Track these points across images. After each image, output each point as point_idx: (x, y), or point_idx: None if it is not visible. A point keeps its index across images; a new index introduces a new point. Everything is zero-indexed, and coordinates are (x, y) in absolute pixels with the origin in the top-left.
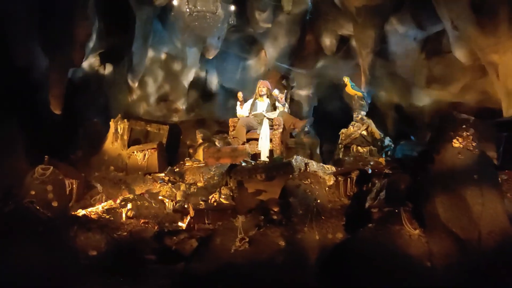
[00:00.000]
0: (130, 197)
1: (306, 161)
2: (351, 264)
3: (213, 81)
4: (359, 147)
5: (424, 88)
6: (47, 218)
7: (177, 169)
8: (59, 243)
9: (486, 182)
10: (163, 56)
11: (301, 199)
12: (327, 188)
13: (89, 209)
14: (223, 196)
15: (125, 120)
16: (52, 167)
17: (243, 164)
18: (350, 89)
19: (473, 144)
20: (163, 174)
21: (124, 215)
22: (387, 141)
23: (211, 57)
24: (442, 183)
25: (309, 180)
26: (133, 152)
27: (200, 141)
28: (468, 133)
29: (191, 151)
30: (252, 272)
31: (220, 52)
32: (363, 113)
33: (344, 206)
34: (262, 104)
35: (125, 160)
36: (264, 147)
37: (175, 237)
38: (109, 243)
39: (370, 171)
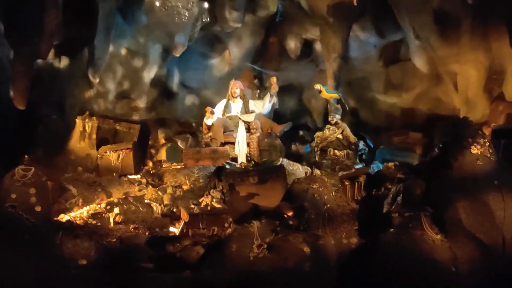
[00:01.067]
0: (115, 201)
1: (292, 164)
2: (377, 269)
3: (174, 80)
4: (335, 151)
5: (381, 94)
6: (31, 224)
7: (153, 171)
8: (46, 252)
9: (506, 187)
10: (123, 51)
11: (310, 203)
12: (333, 193)
13: (73, 214)
14: (214, 200)
15: (94, 118)
16: (33, 168)
17: (227, 166)
18: (326, 93)
19: (490, 151)
20: (138, 176)
21: (112, 220)
22: (361, 145)
23: (178, 55)
24: (463, 189)
25: (317, 184)
26: (106, 152)
27: (163, 141)
28: (485, 140)
29: (153, 151)
30: (278, 280)
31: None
32: (338, 116)
33: (353, 211)
34: (236, 106)
35: (95, 161)
36: (241, 152)
37: (178, 244)
38: (99, 251)
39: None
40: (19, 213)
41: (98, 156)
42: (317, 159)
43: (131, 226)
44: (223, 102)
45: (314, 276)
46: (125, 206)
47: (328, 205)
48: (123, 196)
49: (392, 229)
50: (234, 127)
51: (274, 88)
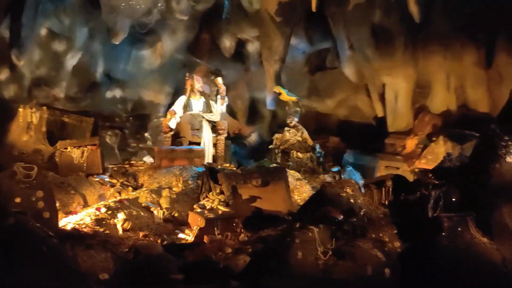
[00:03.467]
0: (112, 205)
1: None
2: (440, 272)
3: (98, 69)
4: (298, 153)
5: (304, 99)
6: (45, 234)
7: (123, 170)
8: (63, 266)
9: None
10: (43, 32)
11: (347, 208)
12: (362, 198)
13: (76, 221)
14: (220, 204)
15: (44, 107)
16: (35, 167)
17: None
18: (285, 96)
19: None
20: (105, 176)
21: (120, 227)
22: (318, 148)
23: (117, 42)
24: (506, 194)
25: (349, 188)
26: (66, 148)
27: None
28: None
29: None
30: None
31: (107, 38)
32: (296, 119)
33: (386, 215)
34: (198, 103)
35: (50, 157)
36: (208, 154)
37: (220, 252)
38: (117, 263)
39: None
40: (32, 221)
41: (57, 152)
42: (279, 160)
43: (141, 233)
44: (182, 99)
45: (394, 283)
46: (125, 211)
47: (364, 210)
48: (117, 199)
49: (443, 233)
50: (199, 127)
51: (221, 88)
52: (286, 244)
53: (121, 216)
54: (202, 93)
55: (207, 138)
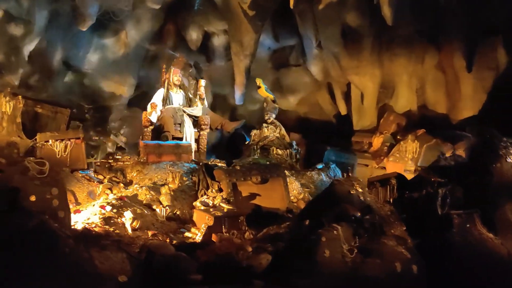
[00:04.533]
0: (115, 203)
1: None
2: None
3: (56, 56)
4: (278, 150)
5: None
6: (65, 235)
7: (107, 165)
8: (83, 269)
9: None
10: None
11: (363, 205)
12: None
13: (84, 220)
14: (222, 201)
15: (19, 96)
16: (47, 162)
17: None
18: (264, 92)
19: None
20: (89, 172)
21: (129, 226)
22: (294, 144)
23: (84, 29)
24: (507, 192)
25: (358, 185)
26: (47, 142)
27: None
28: None
29: None
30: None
31: (68, 23)
32: (274, 116)
33: (393, 212)
34: (177, 97)
35: (28, 151)
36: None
37: (242, 251)
38: (134, 264)
39: None
40: (50, 221)
41: (38, 145)
42: (256, 156)
43: (150, 232)
44: (161, 92)
45: (422, 279)
46: (130, 209)
47: (373, 207)
48: (118, 196)
49: (454, 229)
50: (181, 121)
51: (202, 91)
52: (312, 242)
53: (128, 214)
54: (181, 86)
55: (188, 133)
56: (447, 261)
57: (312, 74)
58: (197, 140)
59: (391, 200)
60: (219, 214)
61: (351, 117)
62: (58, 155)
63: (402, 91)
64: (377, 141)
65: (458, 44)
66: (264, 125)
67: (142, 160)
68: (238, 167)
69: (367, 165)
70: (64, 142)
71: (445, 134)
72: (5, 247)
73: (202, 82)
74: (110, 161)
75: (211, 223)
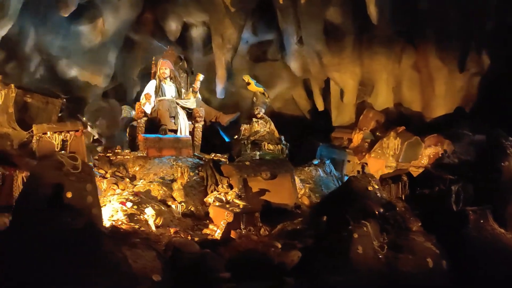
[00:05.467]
0: (132, 198)
1: None
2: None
3: (29, 42)
4: (269, 145)
5: (242, 89)
6: (106, 234)
7: (107, 159)
8: (120, 269)
9: None
10: None
11: (377, 202)
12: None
13: (109, 217)
14: (236, 197)
15: (12, 85)
16: (79, 157)
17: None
18: (254, 87)
19: None
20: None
21: (152, 223)
22: (283, 140)
23: (66, 15)
24: None
25: (374, 182)
26: (45, 134)
27: None
28: None
29: None
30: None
31: (42, 8)
32: (263, 110)
33: (407, 208)
34: (170, 89)
35: (24, 143)
36: None
37: (272, 248)
38: (163, 263)
39: None
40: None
41: (36, 138)
42: (248, 151)
43: (172, 229)
44: (153, 83)
45: (451, 274)
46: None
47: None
48: (132, 192)
49: (470, 225)
50: (175, 113)
51: (197, 84)
52: (344, 239)
53: (150, 211)
54: (172, 78)
55: (183, 125)
56: (465, 256)
57: (289, 70)
58: (191, 133)
59: (403, 197)
60: (237, 210)
61: (328, 113)
62: (58, 148)
63: (381, 89)
64: (357, 137)
65: (433, 46)
66: (254, 119)
67: (143, 154)
68: (248, 163)
69: (349, 161)
70: (63, 134)
71: (447, 133)
72: (53, 246)
73: (201, 77)
74: (109, 155)
75: (230, 219)
